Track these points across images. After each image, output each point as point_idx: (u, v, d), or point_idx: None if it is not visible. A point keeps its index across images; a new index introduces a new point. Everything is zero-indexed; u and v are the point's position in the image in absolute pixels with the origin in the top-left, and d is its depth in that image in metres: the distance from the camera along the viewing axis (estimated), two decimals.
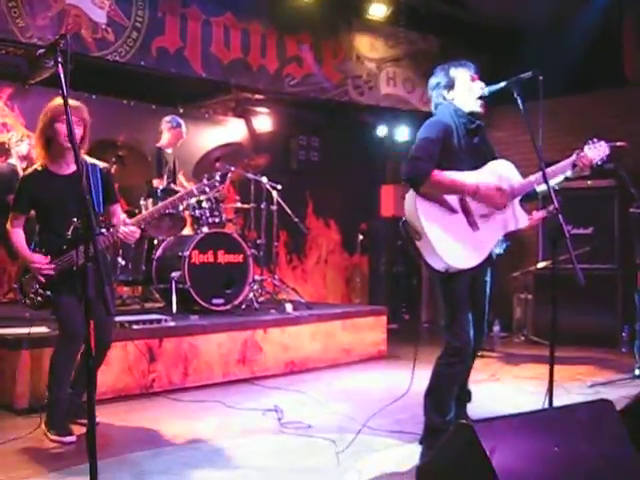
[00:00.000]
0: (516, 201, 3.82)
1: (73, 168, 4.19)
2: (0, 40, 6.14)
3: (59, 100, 4.08)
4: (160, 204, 4.72)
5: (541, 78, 3.47)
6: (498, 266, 3.95)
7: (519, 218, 3.83)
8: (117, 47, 6.66)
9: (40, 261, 4.17)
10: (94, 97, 7.24)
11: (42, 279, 4.17)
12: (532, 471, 2.59)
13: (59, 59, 2.70)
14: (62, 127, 4.11)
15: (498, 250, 3.91)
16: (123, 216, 4.50)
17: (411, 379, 3.95)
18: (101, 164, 4.42)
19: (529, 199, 3.92)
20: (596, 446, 2.77)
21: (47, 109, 4.19)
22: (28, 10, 6.08)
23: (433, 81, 3.89)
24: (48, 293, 4.20)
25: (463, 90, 3.80)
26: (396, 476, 3.61)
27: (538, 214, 3.76)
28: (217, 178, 4.68)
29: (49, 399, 4.22)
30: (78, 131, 4.13)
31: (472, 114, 3.79)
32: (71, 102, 4.19)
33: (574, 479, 2.66)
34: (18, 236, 4.26)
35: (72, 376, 4.28)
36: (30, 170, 4.36)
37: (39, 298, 4.22)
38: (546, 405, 3.41)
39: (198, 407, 5.06)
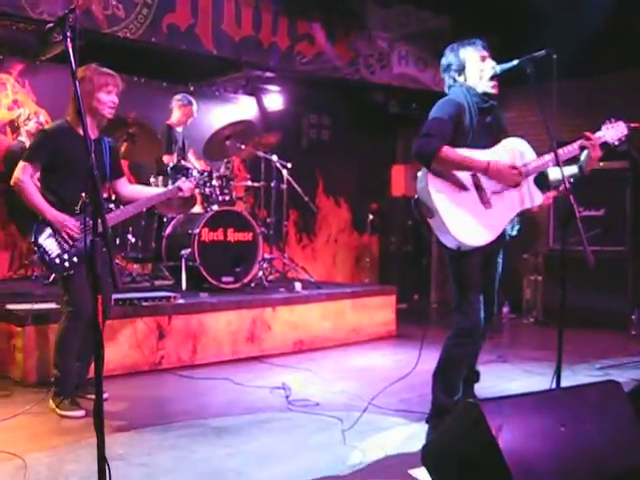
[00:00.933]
0: (530, 179, 3.79)
1: (92, 135, 4.12)
2: (10, 16, 6.12)
3: (100, 69, 4.14)
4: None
5: (555, 57, 3.43)
6: (509, 247, 3.92)
7: (534, 195, 3.79)
8: (128, 23, 6.61)
9: (71, 220, 4.03)
10: None
11: (70, 241, 4.01)
12: (538, 450, 2.59)
13: (68, 34, 2.67)
14: (106, 98, 4.14)
15: (510, 232, 3.87)
16: (132, 186, 4.50)
17: (418, 358, 3.95)
18: (108, 139, 4.42)
19: (541, 188, 3.86)
20: (603, 427, 2.77)
21: (86, 77, 4.06)
22: None
23: (444, 62, 3.87)
24: (75, 260, 4.02)
25: (474, 72, 3.77)
26: (400, 457, 3.61)
27: (549, 193, 3.76)
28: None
29: (57, 375, 4.23)
30: (116, 100, 4.20)
31: (486, 94, 3.77)
32: (108, 70, 4.19)
33: (580, 459, 2.66)
34: (36, 190, 4.05)
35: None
36: (56, 123, 4.24)
37: (66, 264, 4.02)
38: (554, 386, 3.41)
39: (206, 384, 5.09)
